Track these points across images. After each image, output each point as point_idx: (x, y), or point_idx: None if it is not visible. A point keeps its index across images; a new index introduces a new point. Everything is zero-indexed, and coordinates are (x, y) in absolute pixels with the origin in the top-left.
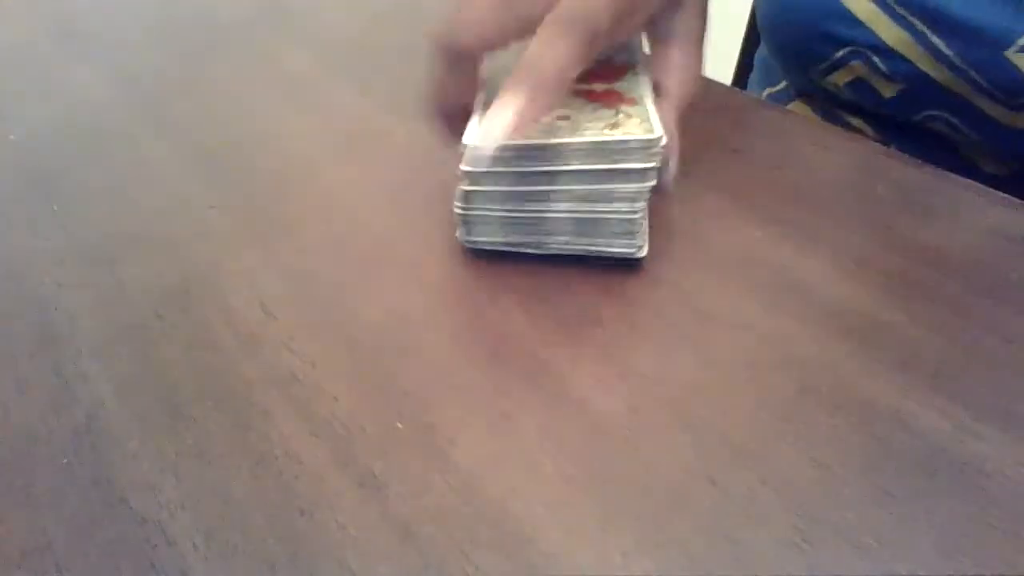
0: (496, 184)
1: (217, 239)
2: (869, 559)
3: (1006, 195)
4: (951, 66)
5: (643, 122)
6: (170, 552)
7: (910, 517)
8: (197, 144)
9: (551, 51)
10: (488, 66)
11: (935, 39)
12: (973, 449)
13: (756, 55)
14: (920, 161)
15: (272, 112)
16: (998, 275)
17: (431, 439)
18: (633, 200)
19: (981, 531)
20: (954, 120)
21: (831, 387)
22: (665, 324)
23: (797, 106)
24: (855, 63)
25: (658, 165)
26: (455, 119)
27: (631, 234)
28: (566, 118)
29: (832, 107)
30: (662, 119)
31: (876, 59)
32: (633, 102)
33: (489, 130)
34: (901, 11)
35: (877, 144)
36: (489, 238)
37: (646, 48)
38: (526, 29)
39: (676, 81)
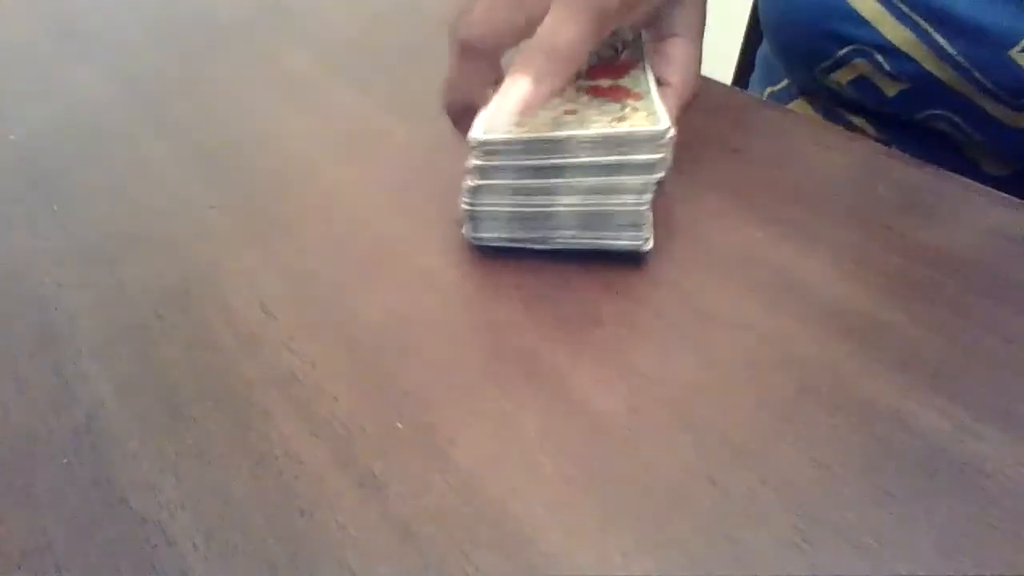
0: (504, 178)
1: (217, 239)
2: (869, 559)
3: (1006, 195)
4: (955, 65)
5: (650, 115)
6: (170, 552)
7: (910, 517)
8: (197, 144)
9: (563, 29)
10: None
11: (939, 38)
12: (973, 449)
13: (758, 53)
14: (921, 161)
15: (272, 112)
16: (998, 275)
17: (431, 439)
18: (640, 193)
19: (981, 531)
20: (957, 119)
21: (831, 387)
22: (665, 324)
23: (799, 105)
24: (858, 61)
25: (665, 157)
26: (466, 117)
27: (637, 226)
28: (573, 112)
29: (834, 106)
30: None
31: (880, 58)
32: (639, 96)
33: (502, 104)
34: (906, 10)
35: (878, 144)
36: (495, 234)
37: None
38: (537, 27)
39: (678, 76)
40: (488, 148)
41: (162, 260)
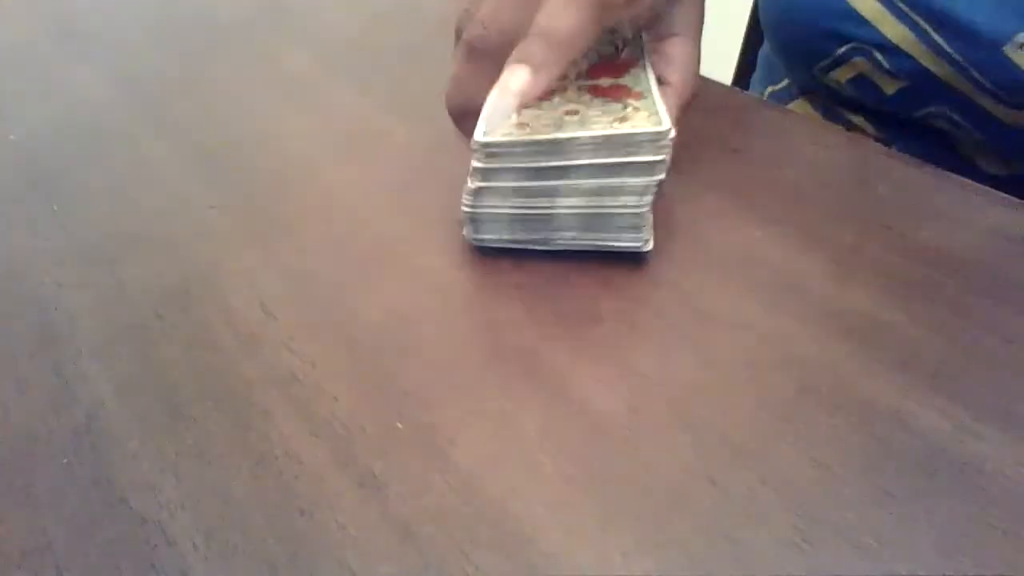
0: (505, 180)
1: (217, 239)
2: (869, 559)
3: (1006, 195)
4: (952, 63)
5: (651, 115)
6: (170, 552)
7: (910, 517)
8: (197, 144)
9: (562, 15)
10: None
11: (937, 37)
12: (973, 449)
13: (759, 53)
14: (920, 161)
15: (272, 112)
16: (998, 275)
17: (431, 439)
18: (641, 194)
19: (981, 531)
20: (956, 117)
21: (831, 387)
22: (665, 324)
23: (799, 104)
24: (857, 60)
25: (667, 158)
26: (469, 118)
27: (638, 228)
28: (574, 113)
29: (833, 104)
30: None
31: (879, 56)
32: (640, 96)
33: (502, 96)
34: (905, 8)
35: (877, 144)
36: (496, 236)
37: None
38: None
39: (678, 75)
40: (490, 150)
41: (162, 260)
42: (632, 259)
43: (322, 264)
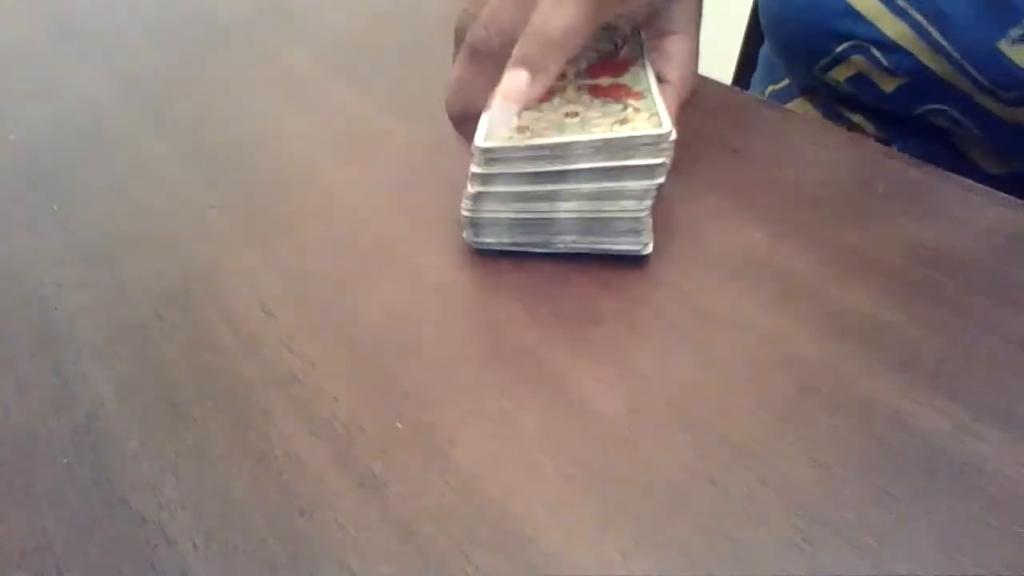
0: (505, 185)
1: (217, 239)
2: (869, 559)
3: (1006, 195)
4: (949, 58)
5: (651, 116)
6: (170, 552)
7: (910, 517)
8: (197, 144)
9: (557, 14)
10: None
11: (934, 32)
12: (973, 449)
13: (760, 52)
14: (920, 161)
15: (272, 112)
16: (998, 275)
17: (431, 439)
18: (641, 198)
19: (981, 531)
20: (955, 114)
21: (831, 387)
22: (665, 324)
23: (800, 103)
24: (856, 57)
25: (667, 161)
26: (470, 121)
27: (637, 232)
28: (575, 115)
29: (834, 103)
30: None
31: (877, 53)
32: (639, 95)
33: (504, 97)
34: (903, 4)
35: (877, 144)
36: (497, 239)
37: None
38: None
39: (677, 72)
40: (491, 155)
41: (162, 260)
42: (632, 260)
43: (322, 264)
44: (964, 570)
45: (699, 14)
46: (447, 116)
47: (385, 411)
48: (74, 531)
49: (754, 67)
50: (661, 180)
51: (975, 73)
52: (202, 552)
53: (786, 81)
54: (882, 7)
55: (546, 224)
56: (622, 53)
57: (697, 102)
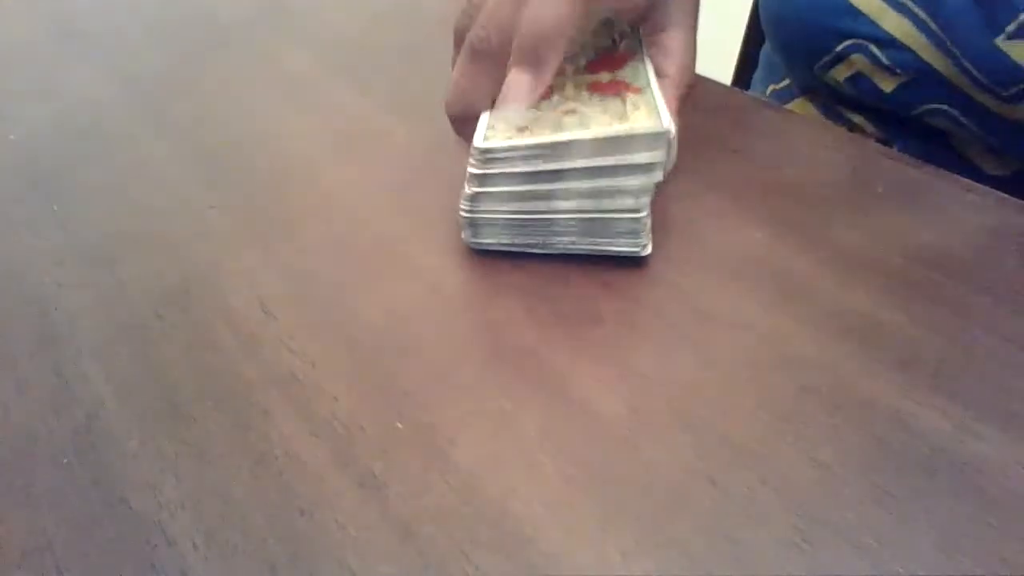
0: (503, 185)
1: (217, 239)
2: (869, 559)
3: (1006, 195)
4: (949, 54)
5: (651, 112)
6: (170, 552)
7: (910, 517)
8: (197, 144)
9: (545, 11)
10: None
11: (935, 27)
12: (973, 449)
13: (761, 51)
14: (920, 161)
15: (272, 112)
16: (998, 275)
17: (431, 439)
18: (638, 196)
19: (981, 531)
20: (954, 112)
21: (831, 387)
22: (665, 324)
23: (800, 103)
24: (855, 56)
25: (664, 160)
26: (469, 122)
27: (636, 233)
28: (573, 112)
29: (834, 103)
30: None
31: (877, 51)
32: (639, 91)
33: (513, 96)
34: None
35: (877, 144)
36: (495, 239)
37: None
38: None
39: (675, 66)
40: (489, 156)
41: (162, 260)
42: (632, 260)
43: (322, 264)
44: (964, 570)
45: (696, 8)
46: (447, 117)
47: (385, 411)
48: (74, 531)
49: (755, 66)
50: (659, 177)
51: (973, 70)
52: (202, 552)
53: (787, 81)
54: (882, 3)
55: (545, 224)
56: (621, 49)
57: (697, 102)
